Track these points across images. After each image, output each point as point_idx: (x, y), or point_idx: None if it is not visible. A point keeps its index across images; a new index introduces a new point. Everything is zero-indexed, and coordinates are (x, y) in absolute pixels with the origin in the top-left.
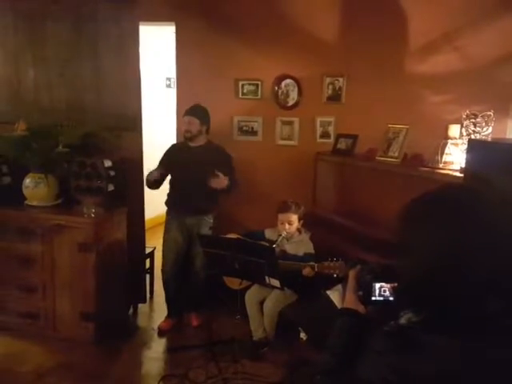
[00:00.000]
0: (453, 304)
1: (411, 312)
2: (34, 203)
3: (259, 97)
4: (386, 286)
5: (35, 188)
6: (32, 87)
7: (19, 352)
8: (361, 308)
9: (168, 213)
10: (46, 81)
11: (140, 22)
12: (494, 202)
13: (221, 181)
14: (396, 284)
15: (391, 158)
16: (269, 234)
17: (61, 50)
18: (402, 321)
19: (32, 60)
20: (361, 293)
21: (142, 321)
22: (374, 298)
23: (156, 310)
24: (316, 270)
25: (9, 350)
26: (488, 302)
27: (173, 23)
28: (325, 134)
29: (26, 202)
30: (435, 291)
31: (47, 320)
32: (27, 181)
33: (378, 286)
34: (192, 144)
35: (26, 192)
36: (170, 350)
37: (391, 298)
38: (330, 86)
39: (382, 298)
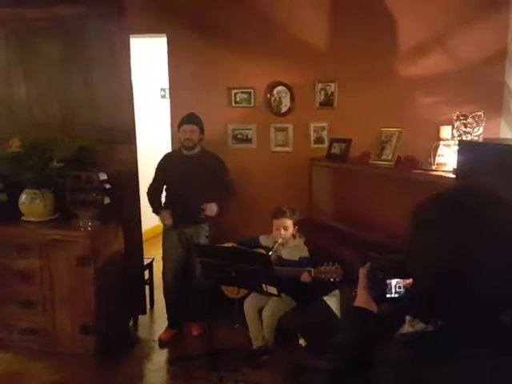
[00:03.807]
0: (469, 312)
1: (423, 322)
2: (31, 219)
3: (252, 105)
4: (401, 283)
5: (31, 204)
6: (25, 103)
7: (21, 369)
8: (373, 306)
9: None
10: (39, 97)
11: (130, 35)
12: (501, 204)
13: (211, 209)
14: (411, 280)
15: (385, 161)
16: (264, 240)
17: (52, 66)
18: (417, 328)
19: (24, 76)
20: (373, 291)
21: (142, 332)
22: (388, 296)
23: (156, 321)
24: (313, 274)
25: (11, 368)
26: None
27: (163, 35)
28: (319, 140)
29: (22, 217)
30: (449, 298)
31: (47, 335)
32: (23, 197)
33: (393, 282)
34: (187, 153)
35: (22, 208)
36: (171, 360)
37: (406, 295)
38: (322, 92)
39: (397, 295)
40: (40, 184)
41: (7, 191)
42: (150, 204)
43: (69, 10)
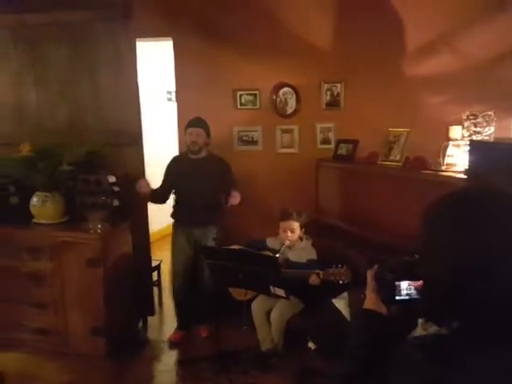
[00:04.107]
0: (485, 312)
1: (437, 324)
2: (42, 221)
3: (258, 106)
4: (411, 284)
5: (42, 206)
6: (35, 108)
7: (33, 368)
8: (382, 308)
9: (175, 225)
10: (48, 101)
11: (136, 39)
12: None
13: (236, 197)
14: (421, 282)
15: (393, 161)
16: (271, 242)
17: (61, 70)
18: (430, 331)
19: (34, 81)
20: (382, 293)
21: (151, 333)
22: (398, 298)
23: (165, 323)
24: (321, 277)
25: (23, 367)
26: None
27: (169, 38)
28: (325, 141)
29: (33, 220)
30: (468, 299)
31: (59, 336)
32: (34, 200)
33: (402, 284)
34: (194, 156)
35: (33, 210)
36: (180, 362)
37: (417, 297)
38: (328, 92)
39: (407, 297)
40: (51, 187)
41: (18, 194)
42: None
43: (75, 15)
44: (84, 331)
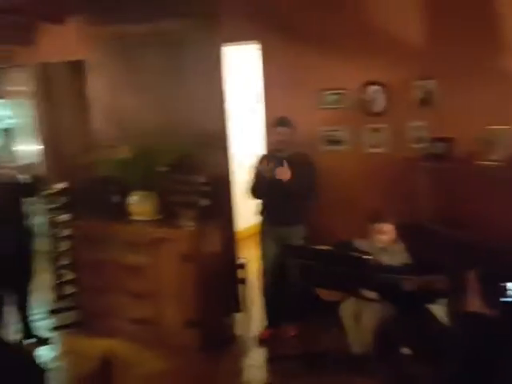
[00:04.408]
0: None
1: None
2: (139, 218)
3: (345, 105)
4: None
5: (139, 204)
6: (131, 112)
7: (130, 356)
8: (487, 311)
9: (262, 223)
10: (143, 105)
11: (225, 44)
12: None
13: (285, 171)
14: None
15: (494, 161)
16: (361, 244)
17: (154, 76)
18: None
19: (130, 87)
20: (488, 295)
21: (240, 330)
22: (506, 299)
23: (254, 320)
24: (416, 282)
25: (121, 353)
26: None
27: (255, 42)
28: (417, 140)
29: (131, 217)
30: None
31: (155, 326)
32: (132, 198)
33: (509, 285)
34: (281, 154)
35: (131, 208)
36: (269, 359)
37: None
38: (420, 89)
39: None
40: (148, 186)
41: (119, 193)
42: (253, 191)
43: (167, 24)
44: (178, 323)
